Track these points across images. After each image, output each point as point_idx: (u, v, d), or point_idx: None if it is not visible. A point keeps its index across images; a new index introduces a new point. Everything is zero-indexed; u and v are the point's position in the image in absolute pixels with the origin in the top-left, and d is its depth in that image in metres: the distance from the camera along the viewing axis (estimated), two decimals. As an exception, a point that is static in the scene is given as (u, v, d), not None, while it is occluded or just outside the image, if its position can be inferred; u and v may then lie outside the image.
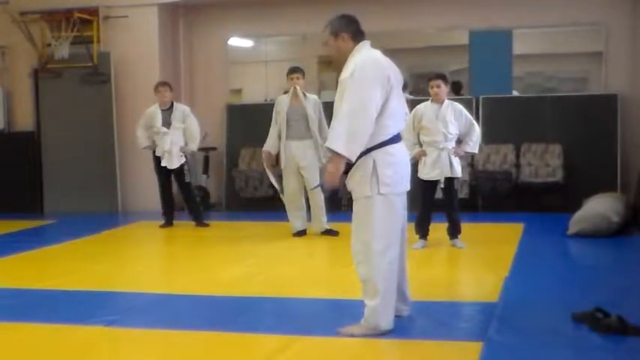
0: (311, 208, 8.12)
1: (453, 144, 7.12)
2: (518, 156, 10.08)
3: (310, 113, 7.95)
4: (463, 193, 9.42)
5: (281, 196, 8.18)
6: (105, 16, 10.73)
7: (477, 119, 9.02)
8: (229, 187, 10.95)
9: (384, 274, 4.30)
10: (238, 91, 11.76)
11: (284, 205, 8.22)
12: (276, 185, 8.22)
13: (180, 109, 9.03)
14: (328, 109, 8.15)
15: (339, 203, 9.76)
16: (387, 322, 4.33)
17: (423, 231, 7.20)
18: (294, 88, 7.95)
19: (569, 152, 9.91)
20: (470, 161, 9.92)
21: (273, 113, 8.11)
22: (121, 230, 9.40)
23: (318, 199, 8.01)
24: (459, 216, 7.24)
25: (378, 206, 4.29)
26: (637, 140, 9.84)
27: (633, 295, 5.26)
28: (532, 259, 6.68)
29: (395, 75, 4.39)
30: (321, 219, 8.07)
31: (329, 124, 7.53)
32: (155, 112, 8.94)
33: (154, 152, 8.98)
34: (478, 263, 6.68)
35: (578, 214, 7.86)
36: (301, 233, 8.12)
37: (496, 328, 4.37)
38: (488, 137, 9.74)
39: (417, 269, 5.81)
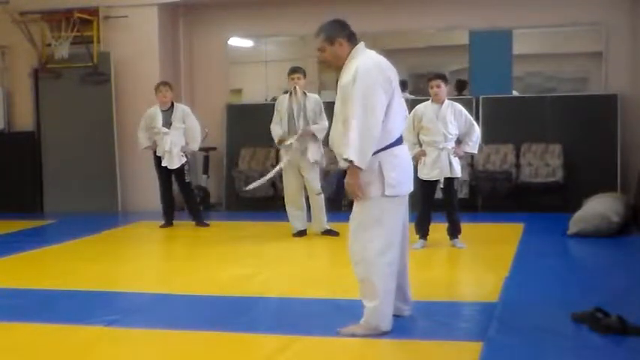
0: (311, 208, 8.12)
1: (453, 144, 7.12)
2: (518, 156, 10.07)
3: (311, 113, 7.96)
4: (463, 193, 9.42)
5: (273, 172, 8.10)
6: (105, 16, 10.72)
7: (477, 119, 9.02)
8: (229, 187, 10.95)
9: (384, 274, 4.30)
10: (238, 91, 11.75)
11: (284, 205, 8.22)
12: (272, 174, 8.14)
13: (181, 109, 9.03)
14: (328, 109, 8.20)
15: (340, 203, 9.77)
16: (386, 322, 4.34)
17: (422, 231, 7.20)
18: (295, 88, 7.95)
19: (569, 152, 9.91)
20: (470, 161, 9.92)
21: (275, 112, 8.12)
22: (121, 230, 9.40)
23: (319, 200, 8.02)
24: (459, 216, 7.24)
25: (382, 207, 4.30)
26: (637, 140, 9.84)
27: (633, 295, 5.26)
28: (532, 259, 6.68)
29: (394, 75, 4.40)
30: (322, 219, 8.08)
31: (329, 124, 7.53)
32: (155, 112, 8.94)
33: (155, 152, 8.98)
34: (478, 263, 6.68)
35: (578, 214, 7.86)
36: (301, 233, 8.12)
37: (496, 328, 4.37)
38: (488, 137, 9.74)
39: (417, 269, 5.80)
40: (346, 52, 4.41)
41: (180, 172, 8.96)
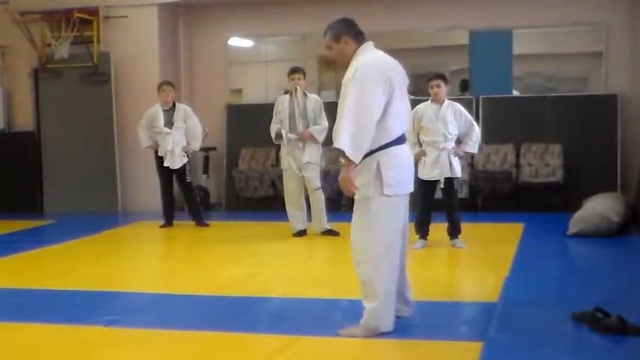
0: (311, 208, 8.12)
1: (453, 144, 7.12)
2: (518, 156, 10.07)
3: (311, 113, 7.96)
4: (463, 193, 9.42)
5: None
6: (105, 16, 10.73)
7: (477, 119, 9.03)
8: (229, 187, 10.95)
9: (385, 275, 4.30)
10: (238, 91, 11.75)
11: (284, 205, 8.22)
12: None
13: (182, 109, 9.04)
14: (328, 109, 8.20)
15: (340, 203, 9.78)
16: (387, 324, 4.33)
17: (422, 231, 7.20)
18: (295, 88, 7.95)
19: (569, 152, 9.91)
20: (470, 161, 9.92)
21: (274, 113, 8.11)
22: (121, 230, 9.40)
23: (319, 199, 8.02)
24: (459, 216, 7.24)
25: (381, 207, 4.29)
26: (637, 140, 9.84)
27: (633, 295, 5.26)
28: (532, 259, 6.68)
29: (398, 75, 4.39)
30: (322, 219, 8.08)
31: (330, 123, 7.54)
32: (157, 111, 8.94)
33: (157, 152, 8.99)
34: (478, 263, 6.68)
35: (578, 214, 7.86)
36: (301, 233, 8.12)
37: (496, 328, 4.37)
38: (488, 137, 9.74)
39: (417, 269, 5.81)
40: (352, 50, 4.42)
41: (181, 172, 8.97)
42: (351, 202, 4.48)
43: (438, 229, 7.29)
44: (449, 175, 7.10)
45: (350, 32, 4.44)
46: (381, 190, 4.28)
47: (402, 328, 4.42)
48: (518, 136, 10.12)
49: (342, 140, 4.15)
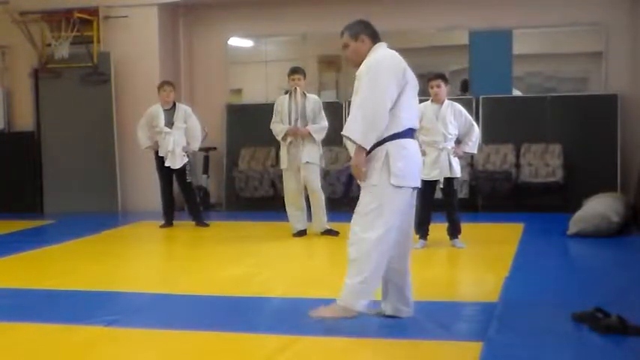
0: (311, 208, 8.12)
1: (453, 144, 7.12)
2: (518, 156, 10.07)
3: (310, 113, 7.96)
4: (463, 193, 9.42)
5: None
6: (105, 16, 10.73)
7: (477, 119, 9.03)
8: (229, 187, 10.95)
9: (375, 259, 4.37)
10: (238, 91, 11.75)
11: (284, 205, 8.22)
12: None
13: (183, 109, 9.04)
14: (328, 109, 8.21)
15: (339, 203, 9.78)
16: (362, 304, 4.43)
17: (422, 231, 7.20)
18: (295, 88, 7.95)
19: (569, 152, 9.91)
20: (470, 161, 9.92)
21: (274, 113, 8.12)
22: (121, 230, 9.40)
23: (319, 199, 8.02)
24: (459, 216, 7.24)
25: (385, 196, 4.36)
26: (637, 140, 9.84)
27: (633, 295, 5.26)
28: (532, 259, 6.68)
29: (410, 72, 4.51)
30: (322, 219, 8.08)
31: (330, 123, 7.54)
32: (157, 111, 8.94)
33: (157, 152, 8.99)
34: (478, 263, 6.68)
35: (578, 214, 7.86)
36: (301, 233, 8.12)
37: (496, 328, 4.37)
38: (488, 137, 9.74)
39: (417, 269, 5.78)
40: (367, 48, 4.57)
41: (181, 172, 8.97)
42: (351, 202, 4.51)
43: (438, 229, 7.28)
44: (449, 175, 7.10)
45: (367, 32, 4.60)
46: (387, 179, 4.35)
47: (403, 328, 4.42)
48: (518, 136, 10.13)
49: (352, 128, 4.32)
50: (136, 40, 10.68)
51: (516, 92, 10.58)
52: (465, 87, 10.57)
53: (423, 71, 8.05)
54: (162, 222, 9.15)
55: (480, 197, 10.00)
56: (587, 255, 7.23)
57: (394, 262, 4.50)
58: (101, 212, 10.41)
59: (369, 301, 4.49)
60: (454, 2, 10.39)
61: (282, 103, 8.09)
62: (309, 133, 7.91)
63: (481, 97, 10.26)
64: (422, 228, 7.18)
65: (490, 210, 9.78)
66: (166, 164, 8.87)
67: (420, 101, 7.22)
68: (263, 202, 10.51)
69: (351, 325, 4.44)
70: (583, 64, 10.84)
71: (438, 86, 7.07)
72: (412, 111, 4.52)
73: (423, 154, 7.06)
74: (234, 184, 10.75)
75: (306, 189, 8.08)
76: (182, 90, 10.98)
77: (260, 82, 11.60)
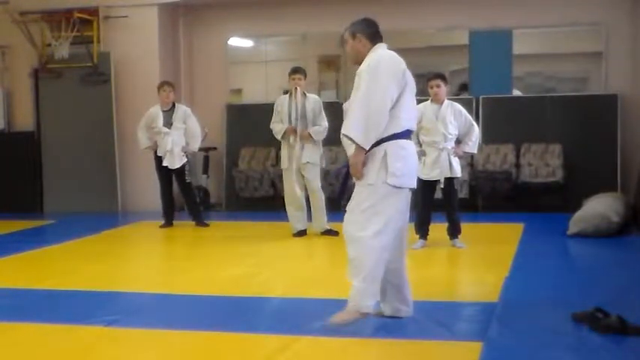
0: (311, 208, 8.12)
1: (453, 144, 7.12)
2: (518, 156, 10.07)
3: (310, 114, 7.96)
4: (463, 193, 9.42)
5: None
6: (105, 16, 10.73)
7: (477, 119, 9.03)
8: (229, 187, 10.95)
9: (374, 256, 4.36)
10: (238, 91, 11.75)
11: (284, 205, 8.22)
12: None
13: (182, 109, 9.04)
14: (328, 109, 8.21)
15: (340, 203, 9.77)
16: (367, 304, 4.40)
17: (422, 231, 7.20)
18: (295, 88, 7.95)
19: (569, 152, 9.91)
20: (470, 161, 9.92)
21: (274, 113, 8.12)
22: (121, 230, 9.40)
23: (319, 199, 8.02)
24: (459, 216, 7.24)
25: (382, 195, 4.36)
26: (637, 140, 9.84)
27: (633, 295, 5.26)
28: (532, 259, 6.68)
29: (409, 74, 4.51)
30: (322, 219, 8.08)
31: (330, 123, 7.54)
32: (156, 112, 8.95)
33: (156, 153, 8.99)
34: (478, 263, 6.68)
35: (578, 214, 7.86)
36: (301, 233, 8.12)
37: (496, 328, 4.37)
38: (488, 137, 9.74)
39: (417, 269, 5.82)
40: (365, 48, 4.56)
41: (180, 172, 8.97)
42: (348, 202, 4.51)
43: (438, 229, 7.28)
44: (449, 175, 7.10)
45: (366, 32, 4.59)
46: (384, 178, 4.35)
47: (402, 328, 4.43)
48: (518, 136, 10.13)
49: (351, 127, 4.33)
50: (136, 40, 10.68)
51: (516, 92, 10.57)
52: (462, 88, 10.55)
53: (423, 71, 8.06)
54: (163, 222, 9.15)
55: (480, 197, 9.99)
56: (587, 255, 7.23)
57: (391, 262, 4.50)
58: (101, 212, 10.41)
59: (374, 302, 4.46)
60: (454, 2, 10.39)
61: (282, 102, 8.09)
62: (310, 135, 7.91)
63: (481, 97, 10.26)
64: (422, 228, 7.19)
65: (490, 210, 9.78)
66: (164, 164, 8.88)
67: (420, 101, 7.28)
68: (263, 202, 10.51)
69: (351, 325, 4.43)
70: (583, 64, 10.83)
71: (438, 86, 7.07)
72: (411, 112, 4.53)
73: (423, 154, 7.09)
74: (234, 184, 10.74)
75: (306, 189, 8.09)
76: (182, 90, 10.98)
77: (260, 82, 11.60)
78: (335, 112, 7.95)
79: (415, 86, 4.60)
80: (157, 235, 8.95)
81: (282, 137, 8.04)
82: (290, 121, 7.97)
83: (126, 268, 7.05)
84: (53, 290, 5.80)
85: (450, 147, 7.08)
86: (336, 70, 11.04)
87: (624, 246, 7.40)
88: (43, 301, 5.48)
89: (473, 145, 7.18)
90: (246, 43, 11.74)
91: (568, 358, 3.94)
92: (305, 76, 8.08)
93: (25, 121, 11.13)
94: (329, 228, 8.06)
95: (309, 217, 8.18)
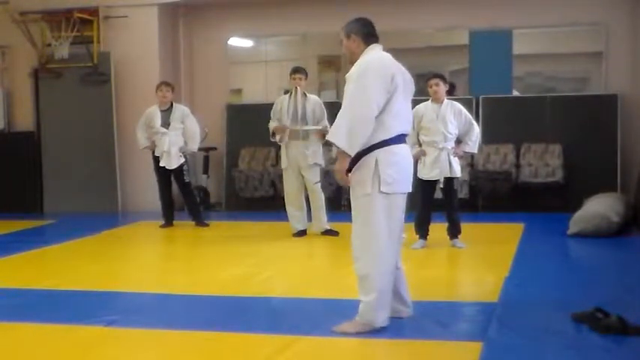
0: (311, 208, 8.12)
1: (453, 144, 7.12)
2: (518, 156, 10.08)
3: (310, 114, 7.96)
4: (463, 193, 9.42)
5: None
6: (105, 16, 10.73)
7: (477, 119, 9.02)
8: (229, 187, 10.95)
9: (382, 271, 4.33)
10: (238, 91, 11.76)
11: (284, 205, 8.22)
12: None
13: (180, 109, 9.04)
14: (327, 108, 8.20)
15: (339, 203, 9.78)
16: (381, 319, 4.35)
17: (422, 231, 7.20)
18: (296, 88, 7.95)
19: (569, 152, 9.91)
20: (470, 161, 9.92)
21: (272, 112, 8.11)
22: (121, 230, 9.40)
23: (319, 199, 8.02)
24: (459, 216, 7.24)
25: (378, 204, 4.32)
26: (637, 140, 9.84)
27: (633, 295, 5.26)
28: (532, 259, 6.68)
29: (402, 76, 4.44)
30: (322, 219, 8.07)
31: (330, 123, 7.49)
32: (154, 112, 8.95)
33: (154, 152, 8.99)
34: (478, 263, 6.68)
35: (578, 214, 7.86)
36: (301, 233, 8.12)
37: (496, 328, 4.37)
38: (488, 137, 9.74)
39: (417, 269, 5.83)
40: (359, 49, 4.52)
41: (178, 172, 8.96)
42: (350, 201, 4.50)
43: (438, 229, 7.28)
44: (449, 175, 7.10)
45: (360, 32, 4.54)
46: (378, 187, 4.31)
47: (402, 328, 4.42)
48: (518, 136, 10.13)
49: (337, 133, 4.28)
50: (136, 40, 10.68)
51: (514, 93, 10.57)
52: (451, 88, 10.49)
53: (423, 71, 8.06)
54: (163, 222, 9.15)
55: (480, 197, 10.00)
56: (587, 255, 7.23)
57: None
58: (101, 212, 10.41)
59: (387, 314, 4.41)
60: (454, 2, 10.39)
61: (281, 102, 8.09)
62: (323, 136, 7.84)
63: (481, 97, 10.26)
64: (422, 228, 7.19)
65: (490, 210, 9.78)
66: (161, 164, 8.87)
67: (420, 101, 7.31)
68: (263, 202, 10.51)
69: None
70: (583, 64, 10.84)
71: (437, 85, 7.08)
72: (402, 116, 4.43)
73: (423, 153, 7.09)
74: (234, 184, 10.74)
75: (306, 189, 8.09)
76: (182, 90, 10.99)
77: (260, 82, 11.61)
78: (335, 112, 7.93)
79: (413, 87, 4.56)
80: (157, 235, 8.95)
81: (272, 136, 8.04)
82: (289, 121, 7.97)
83: (126, 268, 7.04)
84: (53, 290, 5.79)
85: (449, 147, 7.08)
86: (336, 70, 11.03)
87: (624, 246, 7.40)
88: (43, 301, 5.47)
89: (473, 144, 7.18)
90: (246, 43, 11.74)
91: (568, 358, 3.94)
92: (306, 76, 8.09)
93: (25, 121, 11.13)
94: (329, 228, 8.05)
95: (309, 217, 8.18)
